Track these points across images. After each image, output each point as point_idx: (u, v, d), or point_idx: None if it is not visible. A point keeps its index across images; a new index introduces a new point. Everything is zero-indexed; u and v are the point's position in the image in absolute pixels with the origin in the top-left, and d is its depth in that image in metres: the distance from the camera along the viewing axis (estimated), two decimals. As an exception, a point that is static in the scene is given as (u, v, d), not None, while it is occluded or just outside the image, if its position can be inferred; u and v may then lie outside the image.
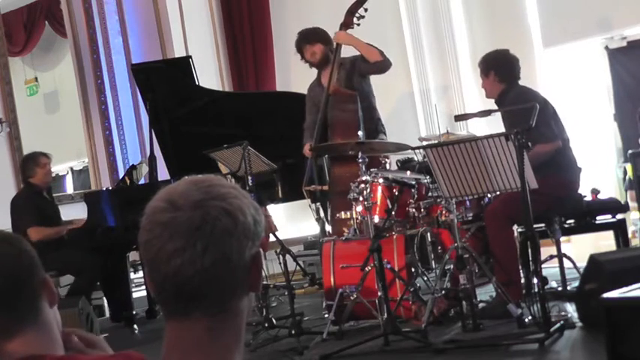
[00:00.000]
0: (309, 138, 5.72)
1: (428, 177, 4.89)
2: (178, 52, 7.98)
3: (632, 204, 5.74)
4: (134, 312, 6.06)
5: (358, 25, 5.63)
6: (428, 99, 7.35)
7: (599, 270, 3.88)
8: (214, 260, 1.17)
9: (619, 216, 5.00)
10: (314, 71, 5.91)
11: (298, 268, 5.37)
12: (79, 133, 8.63)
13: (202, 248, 1.16)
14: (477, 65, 5.03)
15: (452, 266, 4.39)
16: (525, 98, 4.60)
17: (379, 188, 4.79)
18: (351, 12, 5.64)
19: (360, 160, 4.74)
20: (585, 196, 4.96)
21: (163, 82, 6.65)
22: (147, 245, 1.19)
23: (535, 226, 4.17)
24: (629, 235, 5.28)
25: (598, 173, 6.52)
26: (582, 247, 5.81)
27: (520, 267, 4.56)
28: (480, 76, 4.99)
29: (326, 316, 4.78)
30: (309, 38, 5.76)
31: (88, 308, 5.22)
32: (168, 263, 1.17)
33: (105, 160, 8.46)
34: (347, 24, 5.64)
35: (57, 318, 1.48)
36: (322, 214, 5.70)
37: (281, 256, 4.78)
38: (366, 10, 5.62)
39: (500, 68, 4.87)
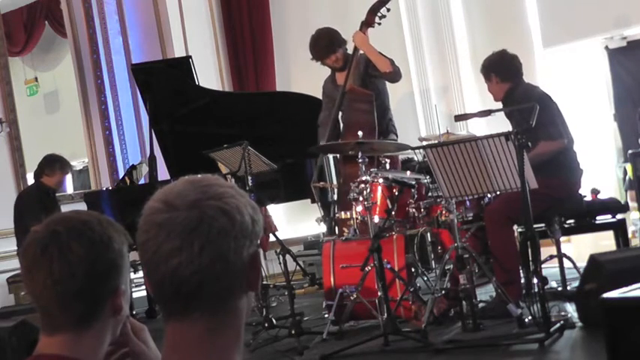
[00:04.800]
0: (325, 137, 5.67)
1: (428, 177, 4.88)
2: (178, 52, 7.98)
3: (632, 204, 5.74)
4: (134, 312, 6.05)
5: (379, 24, 5.56)
6: (428, 99, 7.35)
7: (599, 270, 3.87)
8: (211, 260, 1.16)
9: (619, 216, 4.99)
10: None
11: (298, 268, 5.36)
12: (79, 133, 8.64)
13: (199, 248, 1.16)
14: (480, 72, 5.00)
15: (452, 266, 4.39)
16: (532, 95, 4.61)
17: (379, 188, 4.79)
18: (374, 11, 5.54)
19: (360, 160, 4.73)
20: (585, 196, 4.95)
21: (163, 82, 6.64)
22: (144, 246, 1.18)
23: (535, 226, 4.17)
24: (629, 235, 5.27)
25: (598, 173, 6.51)
26: (582, 247, 5.81)
27: (520, 267, 4.56)
28: (484, 82, 4.97)
29: (326, 316, 4.78)
30: (332, 48, 5.58)
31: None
32: (165, 264, 1.16)
33: (105, 160, 8.46)
34: (369, 22, 5.54)
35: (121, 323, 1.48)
36: (329, 213, 5.66)
37: (281, 256, 4.77)
38: (388, 9, 5.53)
39: (498, 69, 4.85)
